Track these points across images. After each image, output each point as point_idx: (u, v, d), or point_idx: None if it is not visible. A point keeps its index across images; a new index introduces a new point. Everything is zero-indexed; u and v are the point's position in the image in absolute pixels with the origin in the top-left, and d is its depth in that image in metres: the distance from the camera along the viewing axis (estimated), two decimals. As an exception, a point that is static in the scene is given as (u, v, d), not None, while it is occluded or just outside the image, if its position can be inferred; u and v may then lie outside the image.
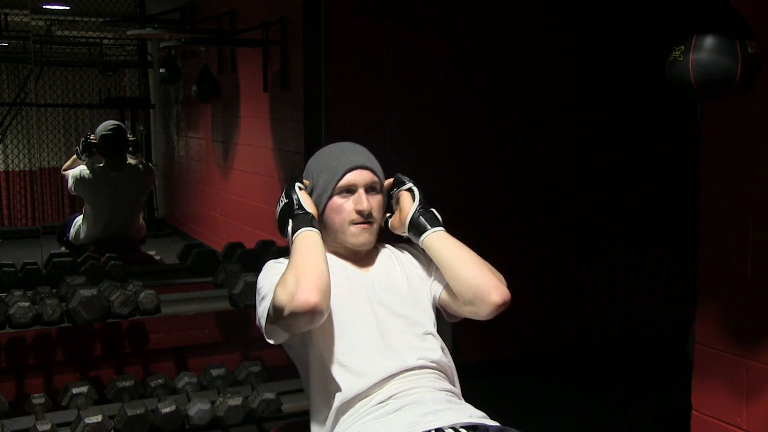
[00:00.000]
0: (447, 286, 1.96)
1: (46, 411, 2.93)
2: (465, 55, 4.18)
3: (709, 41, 1.95)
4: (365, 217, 1.94)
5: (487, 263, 1.93)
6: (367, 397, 1.83)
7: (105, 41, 5.24)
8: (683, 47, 1.99)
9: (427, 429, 1.73)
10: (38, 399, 2.96)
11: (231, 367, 3.25)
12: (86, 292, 2.88)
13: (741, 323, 2.40)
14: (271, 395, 3.05)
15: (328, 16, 3.86)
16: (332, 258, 1.95)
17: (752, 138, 2.34)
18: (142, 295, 3.03)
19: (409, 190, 2.04)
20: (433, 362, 1.90)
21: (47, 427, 2.76)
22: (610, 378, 4.39)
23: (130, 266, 3.60)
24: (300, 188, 1.97)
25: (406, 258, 2.07)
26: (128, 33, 4.83)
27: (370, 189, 1.96)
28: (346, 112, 3.95)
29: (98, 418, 2.81)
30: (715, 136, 2.48)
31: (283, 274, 1.77)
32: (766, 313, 2.32)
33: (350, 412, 1.83)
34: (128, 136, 4.57)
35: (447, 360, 1.95)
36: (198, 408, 2.99)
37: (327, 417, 1.86)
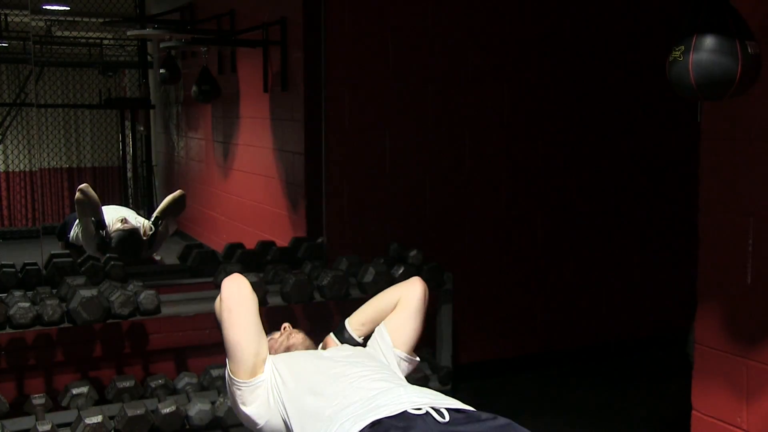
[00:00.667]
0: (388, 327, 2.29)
1: (47, 411, 2.93)
2: (465, 55, 4.18)
3: (709, 41, 1.95)
4: None
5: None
6: (335, 406, 1.88)
7: (105, 42, 5.24)
8: (683, 47, 1.98)
9: (406, 408, 1.76)
10: (38, 399, 2.96)
11: (231, 368, 3.24)
12: (86, 293, 2.89)
13: (741, 323, 2.40)
14: (271, 395, 3.05)
15: (328, 16, 3.87)
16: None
17: (752, 138, 2.34)
18: (142, 296, 3.03)
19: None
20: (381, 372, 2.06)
21: (47, 427, 2.76)
22: (610, 378, 4.39)
23: (130, 267, 3.61)
24: None
25: None
26: (128, 33, 4.84)
27: None
28: (346, 112, 3.95)
29: (98, 419, 2.81)
30: (715, 136, 2.48)
31: None
32: (766, 313, 2.31)
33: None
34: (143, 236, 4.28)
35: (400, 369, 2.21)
36: (198, 408, 2.99)
37: None
